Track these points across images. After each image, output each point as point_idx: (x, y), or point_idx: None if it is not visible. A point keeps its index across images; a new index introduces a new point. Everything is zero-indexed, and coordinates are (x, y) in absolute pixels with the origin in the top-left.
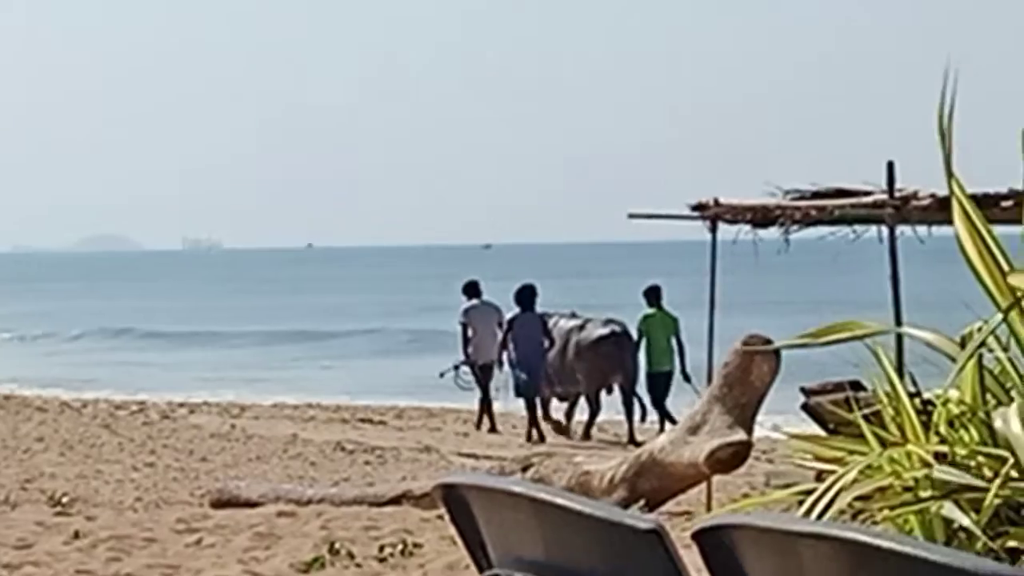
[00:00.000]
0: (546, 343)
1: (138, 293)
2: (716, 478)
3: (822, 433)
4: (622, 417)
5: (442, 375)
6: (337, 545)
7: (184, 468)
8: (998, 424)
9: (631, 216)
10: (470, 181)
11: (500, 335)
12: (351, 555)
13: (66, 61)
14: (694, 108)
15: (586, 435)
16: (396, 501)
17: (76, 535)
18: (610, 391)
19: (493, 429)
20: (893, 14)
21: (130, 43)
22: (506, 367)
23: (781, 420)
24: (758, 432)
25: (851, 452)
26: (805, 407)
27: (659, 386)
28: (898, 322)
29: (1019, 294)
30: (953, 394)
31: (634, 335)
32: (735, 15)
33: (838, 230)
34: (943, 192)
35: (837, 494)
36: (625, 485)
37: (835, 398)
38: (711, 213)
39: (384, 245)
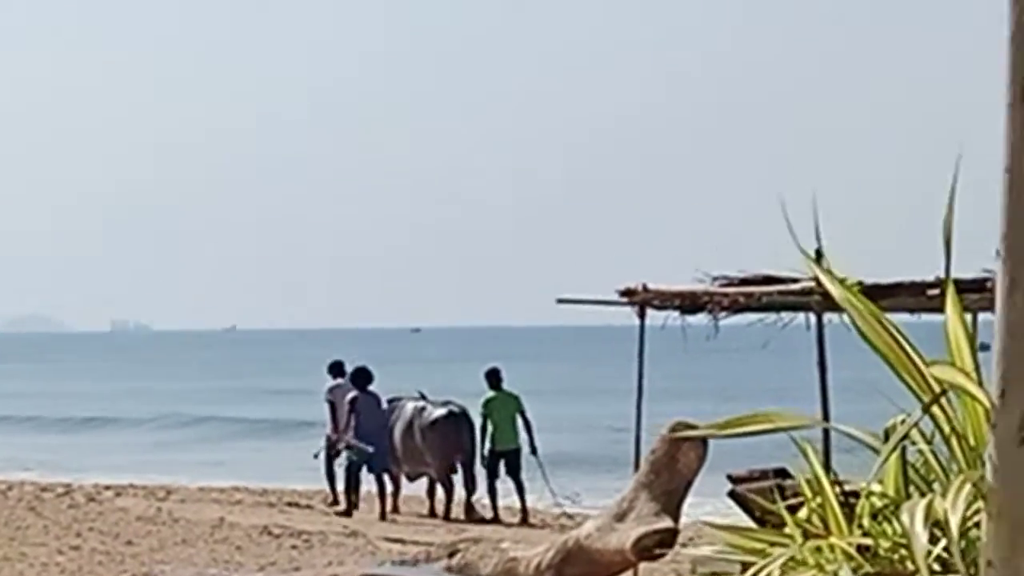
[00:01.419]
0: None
1: (58, 375)
2: (643, 565)
3: (748, 521)
4: (504, 496)
5: (316, 456)
6: None
7: (110, 552)
8: (904, 518)
9: (560, 301)
10: (401, 264)
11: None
12: None
13: None
14: (624, 192)
15: (446, 515)
16: None
17: None
18: (455, 470)
19: (348, 511)
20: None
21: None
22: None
23: (709, 507)
24: (685, 518)
25: (773, 544)
26: (732, 494)
27: (509, 463)
28: (825, 411)
29: (939, 388)
30: (876, 487)
31: (476, 418)
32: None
33: (767, 316)
34: (870, 280)
35: None
36: (552, 571)
37: (761, 486)
38: (639, 299)
39: (311, 328)
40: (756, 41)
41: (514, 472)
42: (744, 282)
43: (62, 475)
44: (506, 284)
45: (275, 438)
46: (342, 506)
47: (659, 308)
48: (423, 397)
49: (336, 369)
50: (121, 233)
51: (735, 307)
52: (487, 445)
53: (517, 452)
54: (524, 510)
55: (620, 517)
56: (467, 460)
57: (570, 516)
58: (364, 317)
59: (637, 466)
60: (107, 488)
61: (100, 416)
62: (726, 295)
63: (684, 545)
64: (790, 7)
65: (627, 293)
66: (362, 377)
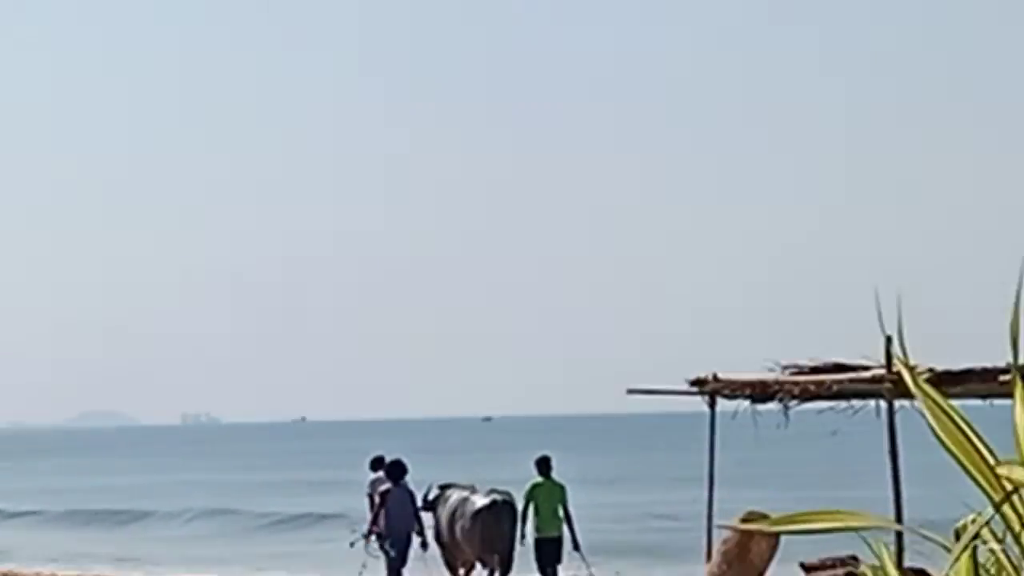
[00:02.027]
0: (417, 515)
1: (124, 469)
2: None
3: None
4: None
5: (352, 544)
6: None
7: None
8: None
9: (630, 392)
10: (471, 351)
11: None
12: None
13: (60, 242)
14: (689, 279)
15: None
16: None
17: None
18: (496, 556)
19: None
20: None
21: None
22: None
23: None
24: None
25: None
26: None
27: (548, 551)
28: (897, 502)
29: (1009, 486)
30: None
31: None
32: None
33: (837, 404)
34: (943, 367)
35: None
36: None
37: (834, 574)
38: (709, 388)
39: (381, 418)
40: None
41: (552, 561)
42: (814, 370)
43: (137, 569)
44: (577, 373)
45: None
46: None
47: (729, 397)
48: (472, 488)
49: (378, 464)
50: (191, 325)
51: (806, 395)
52: (529, 531)
53: (559, 541)
54: None
55: None
56: (506, 550)
57: None
58: (436, 406)
59: (709, 556)
60: None
61: (163, 510)
62: (796, 384)
63: None
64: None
65: (697, 383)
66: (396, 470)
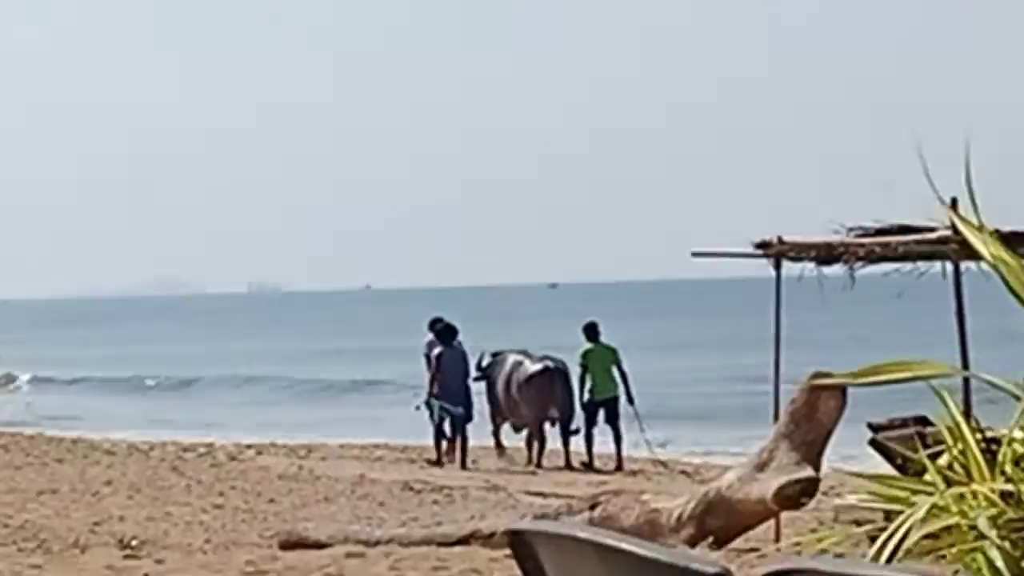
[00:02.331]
0: (471, 375)
1: (196, 337)
2: (784, 514)
3: (889, 470)
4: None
5: (418, 408)
6: None
7: (252, 510)
8: None
9: (694, 255)
10: (537, 219)
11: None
12: None
13: (132, 113)
14: (754, 144)
15: (537, 463)
16: (464, 541)
17: None
18: (552, 423)
19: (438, 462)
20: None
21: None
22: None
23: (850, 456)
24: (826, 467)
25: (915, 492)
26: (873, 443)
27: (608, 411)
28: (964, 359)
29: None
30: (1018, 434)
31: (575, 369)
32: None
33: (903, 266)
34: (1007, 228)
35: (905, 533)
36: (693, 523)
37: (902, 434)
38: (775, 251)
39: (448, 286)
40: None
41: (612, 420)
42: (880, 232)
43: (202, 434)
44: (643, 238)
45: (405, 394)
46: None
47: (794, 260)
48: (525, 353)
49: (436, 324)
50: (257, 195)
51: (871, 257)
52: (586, 395)
53: (615, 400)
54: (619, 458)
55: (761, 467)
56: (563, 414)
57: (663, 463)
58: (502, 273)
59: (776, 417)
60: (248, 447)
61: (232, 375)
62: (862, 246)
63: (825, 494)
64: None
65: (763, 245)
66: (448, 332)
